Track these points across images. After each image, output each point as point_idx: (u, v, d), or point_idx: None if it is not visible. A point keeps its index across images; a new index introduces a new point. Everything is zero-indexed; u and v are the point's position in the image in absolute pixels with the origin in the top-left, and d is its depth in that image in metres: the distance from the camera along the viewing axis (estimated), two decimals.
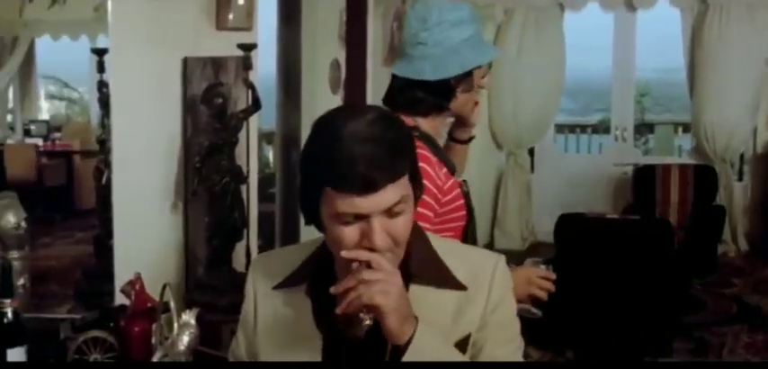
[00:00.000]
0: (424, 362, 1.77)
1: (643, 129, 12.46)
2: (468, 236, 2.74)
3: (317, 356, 1.84)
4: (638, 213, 7.99)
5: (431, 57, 2.67)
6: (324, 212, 1.75)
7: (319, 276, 1.86)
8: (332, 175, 1.70)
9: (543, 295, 2.89)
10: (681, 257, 7.02)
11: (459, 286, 1.89)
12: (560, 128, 11.26)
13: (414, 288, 1.85)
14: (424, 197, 2.24)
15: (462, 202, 2.71)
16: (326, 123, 1.75)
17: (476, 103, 2.84)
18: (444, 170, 2.66)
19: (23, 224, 3.35)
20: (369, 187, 1.69)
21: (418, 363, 1.76)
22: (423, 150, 2.52)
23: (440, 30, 2.67)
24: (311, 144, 1.75)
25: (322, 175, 1.71)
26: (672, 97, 20.34)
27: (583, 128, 12.31)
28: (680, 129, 12.51)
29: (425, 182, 2.14)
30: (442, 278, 1.89)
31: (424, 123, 2.70)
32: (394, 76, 2.77)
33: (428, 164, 2.54)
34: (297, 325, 1.87)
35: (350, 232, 1.73)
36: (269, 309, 1.91)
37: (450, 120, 2.87)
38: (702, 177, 8.57)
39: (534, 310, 2.95)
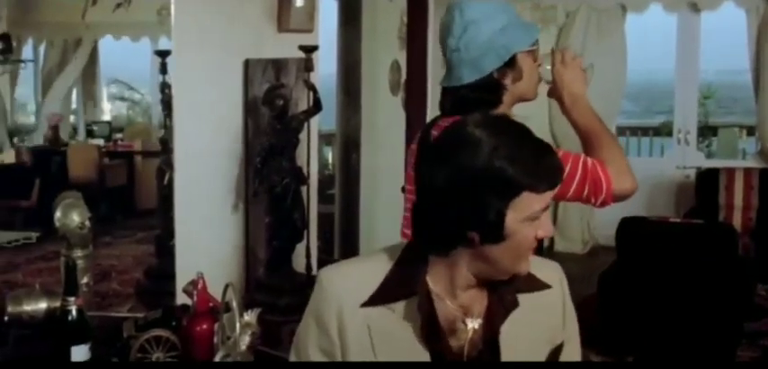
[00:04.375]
0: None
1: (706, 131, 12.26)
2: None
3: None
4: (701, 217, 7.85)
5: (466, 60, 2.66)
6: (513, 219, 1.76)
7: (414, 291, 1.85)
8: (537, 177, 1.75)
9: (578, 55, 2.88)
10: (745, 263, 6.91)
11: (545, 286, 1.97)
12: (622, 130, 11.10)
13: (522, 298, 1.92)
14: None
15: None
16: (502, 134, 1.77)
17: (539, 80, 2.81)
18: None
19: (88, 223, 3.38)
20: (560, 179, 1.82)
21: None
22: None
23: (467, 32, 2.65)
24: (498, 158, 1.74)
25: (522, 180, 1.74)
26: (735, 100, 20.06)
27: (644, 130, 12.14)
28: (744, 132, 12.30)
29: None
30: (532, 281, 1.95)
31: None
32: (443, 89, 2.76)
33: None
34: (402, 342, 1.84)
35: (532, 229, 1.80)
36: (360, 327, 1.82)
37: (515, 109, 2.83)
38: (767, 181, 8.41)
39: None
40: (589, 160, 2.60)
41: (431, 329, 1.83)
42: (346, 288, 1.85)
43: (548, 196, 1.78)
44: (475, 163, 1.73)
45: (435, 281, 1.86)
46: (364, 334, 1.82)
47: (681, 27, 9.35)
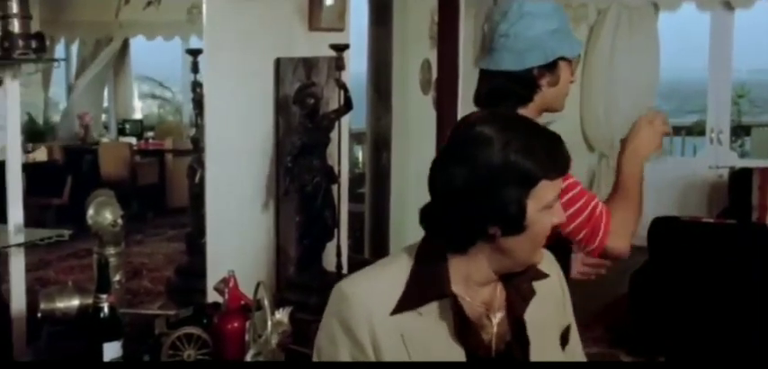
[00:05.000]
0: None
1: (739, 131, 12.15)
2: None
3: None
4: (734, 218, 7.79)
5: (512, 49, 2.72)
6: (533, 209, 1.81)
7: (440, 292, 1.87)
8: (549, 165, 1.81)
9: (669, 129, 2.85)
10: None
11: (544, 275, 2.02)
12: None
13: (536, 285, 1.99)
14: None
15: None
16: (510, 129, 1.82)
17: (567, 95, 2.87)
18: None
19: (120, 221, 3.40)
20: (569, 165, 1.88)
21: None
22: None
23: (521, 22, 2.71)
24: (512, 152, 1.78)
25: (538, 171, 1.79)
26: None
27: (677, 130, 12.03)
28: None
29: None
30: (535, 270, 2.00)
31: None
32: (481, 72, 2.80)
33: None
34: (436, 344, 1.85)
35: (548, 217, 1.85)
36: (394, 337, 1.82)
37: (544, 116, 2.87)
38: None
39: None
40: (600, 206, 2.65)
41: (463, 327, 1.85)
42: (373, 299, 1.85)
43: (560, 183, 1.85)
44: (491, 160, 1.77)
45: (455, 280, 1.88)
46: (399, 343, 1.82)
47: (714, 25, 9.28)
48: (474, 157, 1.78)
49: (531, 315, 1.95)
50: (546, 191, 1.81)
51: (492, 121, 1.83)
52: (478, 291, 1.91)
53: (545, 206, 1.82)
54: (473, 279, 1.89)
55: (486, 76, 2.79)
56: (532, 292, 1.96)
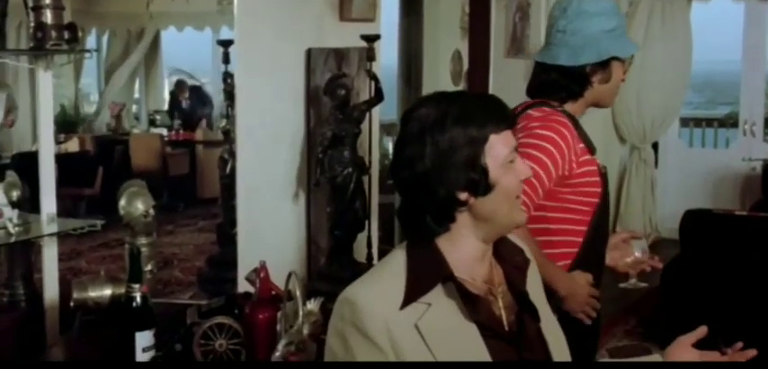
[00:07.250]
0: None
1: None
2: (598, 215, 2.83)
3: (482, 346, 1.88)
4: (767, 210, 7.73)
5: (568, 44, 2.81)
6: (493, 166, 1.88)
7: (440, 276, 1.90)
8: (493, 120, 1.88)
9: (590, 314, 2.85)
10: None
11: (519, 247, 2.10)
12: (685, 121, 10.93)
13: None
14: (549, 146, 2.66)
15: (598, 179, 2.81)
16: (444, 103, 1.90)
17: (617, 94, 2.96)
18: (581, 145, 2.78)
19: (151, 212, 3.42)
20: (510, 113, 1.97)
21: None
22: (561, 118, 2.74)
23: (579, 19, 2.80)
24: (451, 122, 1.86)
25: (480, 130, 1.87)
26: None
27: (709, 121, 11.93)
28: None
29: (555, 137, 2.66)
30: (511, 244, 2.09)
31: (567, 106, 2.84)
32: (536, 64, 2.90)
33: (565, 128, 2.71)
34: (451, 327, 1.86)
35: (513, 174, 1.91)
36: (410, 331, 1.83)
37: (589, 108, 2.93)
38: None
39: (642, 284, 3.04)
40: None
41: (471, 304, 1.88)
42: (381, 299, 1.86)
43: (511, 138, 1.92)
44: (436, 136, 1.85)
45: (451, 264, 1.91)
46: (414, 334, 1.84)
47: (748, 16, 9.22)
48: (422, 139, 1.86)
49: (529, 284, 2.03)
50: (498, 146, 1.88)
51: (427, 102, 1.92)
52: (477, 269, 1.95)
53: (504, 161, 1.89)
54: (467, 257, 1.93)
55: (541, 69, 2.88)
56: (527, 261, 2.05)
